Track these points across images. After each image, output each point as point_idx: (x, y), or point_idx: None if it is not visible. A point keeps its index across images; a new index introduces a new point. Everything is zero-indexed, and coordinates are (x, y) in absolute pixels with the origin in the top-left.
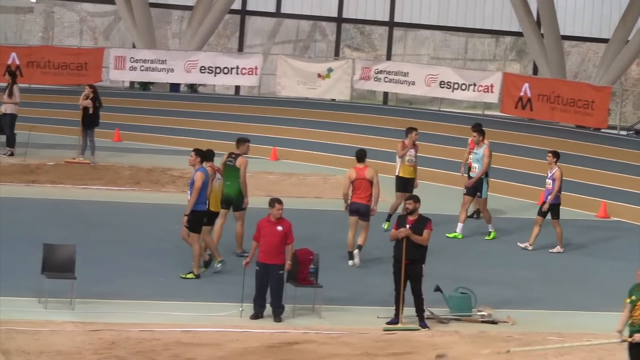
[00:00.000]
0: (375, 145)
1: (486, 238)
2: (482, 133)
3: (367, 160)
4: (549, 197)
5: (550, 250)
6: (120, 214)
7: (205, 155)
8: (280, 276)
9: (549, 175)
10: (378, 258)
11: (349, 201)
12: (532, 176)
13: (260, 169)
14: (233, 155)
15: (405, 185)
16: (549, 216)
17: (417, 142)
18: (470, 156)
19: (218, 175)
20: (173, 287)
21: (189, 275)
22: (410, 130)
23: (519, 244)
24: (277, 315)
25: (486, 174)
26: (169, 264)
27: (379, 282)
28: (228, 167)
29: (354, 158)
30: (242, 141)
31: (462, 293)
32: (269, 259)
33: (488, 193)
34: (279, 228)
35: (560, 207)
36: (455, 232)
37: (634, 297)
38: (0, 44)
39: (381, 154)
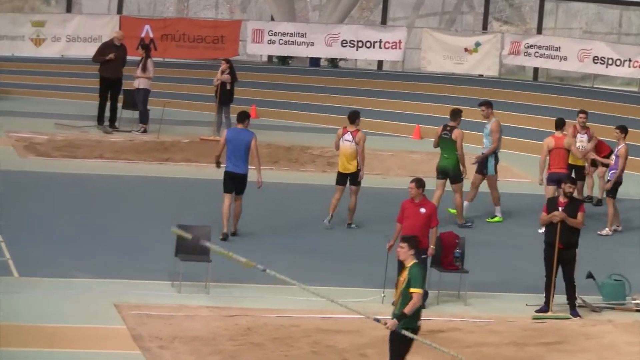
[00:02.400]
0: (525, 124)
1: (487, 220)
2: (490, 106)
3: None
4: (613, 175)
5: (599, 233)
6: (257, 194)
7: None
8: (424, 261)
9: (615, 151)
10: (525, 243)
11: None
12: None
13: (403, 147)
14: (448, 128)
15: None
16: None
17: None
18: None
19: (347, 136)
20: (312, 271)
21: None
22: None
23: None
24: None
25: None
26: (305, 248)
27: (528, 268)
28: (444, 140)
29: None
30: (456, 113)
31: (615, 280)
32: (417, 244)
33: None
34: (422, 210)
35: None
36: (496, 216)
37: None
38: (133, 15)
39: (531, 133)
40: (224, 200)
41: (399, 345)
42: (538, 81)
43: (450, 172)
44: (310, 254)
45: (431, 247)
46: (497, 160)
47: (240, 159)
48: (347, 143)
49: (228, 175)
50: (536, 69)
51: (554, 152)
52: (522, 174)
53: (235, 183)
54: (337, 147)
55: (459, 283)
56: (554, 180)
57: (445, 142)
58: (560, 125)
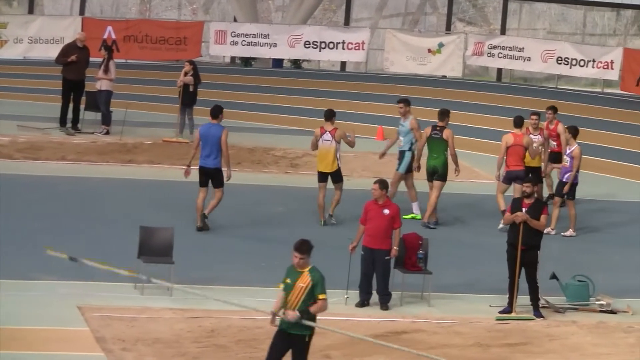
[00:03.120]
0: (488, 125)
1: (403, 217)
2: (407, 104)
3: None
4: (569, 177)
5: (562, 234)
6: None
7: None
8: (387, 262)
9: (567, 152)
10: (491, 244)
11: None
12: None
13: (367, 148)
14: (437, 128)
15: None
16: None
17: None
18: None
19: (326, 136)
20: (275, 273)
21: None
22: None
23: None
24: (384, 303)
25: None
26: (271, 248)
27: (492, 269)
28: (434, 139)
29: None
30: (445, 113)
31: (579, 281)
32: (375, 243)
33: (417, 171)
34: (385, 211)
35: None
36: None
37: (289, 280)
38: (95, 17)
39: (495, 134)
40: (199, 194)
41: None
42: (502, 82)
43: (439, 171)
44: (270, 256)
45: (394, 248)
46: (412, 159)
47: (212, 153)
48: (327, 142)
49: (201, 170)
50: (500, 70)
51: (511, 149)
52: (486, 175)
53: (209, 177)
54: (314, 147)
55: (423, 284)
56: (512, 178)
57: (435, 142)
58: (519, 123)
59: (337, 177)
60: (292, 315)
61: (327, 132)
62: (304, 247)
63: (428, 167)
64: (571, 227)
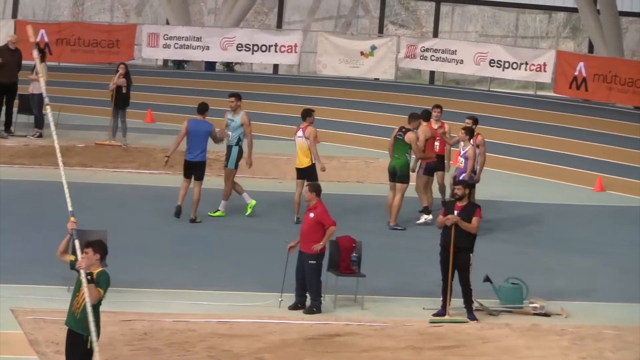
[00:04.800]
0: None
1: (209, 214)
2: (239, 98)
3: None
4: (463, 177)
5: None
6: (153, 199)
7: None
8: (312, 266)
9: (462, 153)
10: (424, 246)
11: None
12: (587, 160)
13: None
14: (403, 129)
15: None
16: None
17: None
18: None
19: (299, 133)
20: (208, 276)
21: None
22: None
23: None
24: (311, 307)
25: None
26: (203, 251)
27: (425, 272)
28: (397, 140)
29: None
30: (413, 116)
31: (513, 284)
32: (302, 246)
33: (237, 165)
34: (311, 215)
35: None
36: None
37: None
38: (28, 19)
39: None
40: (182, 184)
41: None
42: (434, 84)
43: (398, 172)
44: (205, 259)
45: (319, 244)
46: (240, 154)
47: (199, 148)
48: (300, 139)
49: (187, 164)
50: (432, 73)
51: (429, 141)
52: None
53: (194, 170)
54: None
55: (356, 287)
56: (430, 169)
57: (398, 143)
58: (427, 117)
59: (309, 174)
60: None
61: (300, 129)
62: (92, 244)
63: (389, 167)
64: None
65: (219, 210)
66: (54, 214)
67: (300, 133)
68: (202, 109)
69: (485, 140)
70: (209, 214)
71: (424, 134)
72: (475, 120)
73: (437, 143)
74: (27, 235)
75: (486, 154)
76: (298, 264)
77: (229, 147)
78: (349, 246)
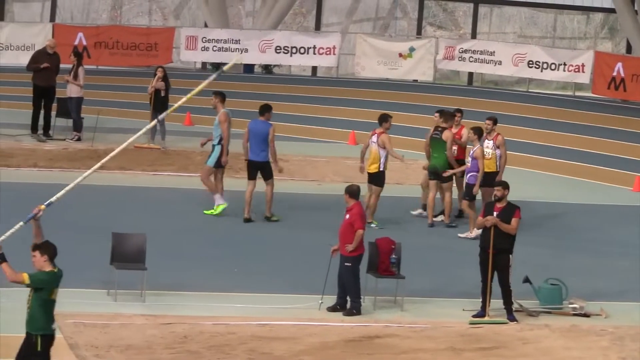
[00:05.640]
0: None
1: (205, 212)
2: (217, 96)
3: None
4: (472, 178)
5: (459, 235)
6: (192, 202)
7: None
8: (348, 268)
9: (470, 153)
10: (465, 247)
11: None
12: (626, 160)
13: (338, 153)
14: (439, 129)
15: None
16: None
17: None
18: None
19: (373, 138)
20: (247, 278)
21: None
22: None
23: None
24: (350, 309)
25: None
26: (242, 253)
27: (465, 273)
28: (434, 139)
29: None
30: (449, 115)
31: (552, 284)
32: (340, 249)
33: (215, 163)
34: (347, 217)
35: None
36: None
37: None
38: (66, 23)
39: None
40: (247, 187)
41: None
42: (473, 86)
43: (440, 171)
44: (245, 261)
45: (347, 246)
46: (220, 153)
47: (258, 148)
48: (372, 144)
49: (250, 163)
50: (471, 74)
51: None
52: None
53: (259, 170)
54: None
55: (396, 289)
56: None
57: (435, 142)
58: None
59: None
60: None
61: (375, 134)
62: (39, 247)
63: (430, 167)
64: (470, 229)
65: (219, 204)
66: (92, 217)
67: (374, 138)
68: (263, 110)
69: (523, 141)
70: (207, 212)
71: (448, 138)
72: (495, 121)
73: (455, 148)
74: (66, 239)
75: (523, 154)
76: (340, 266)
77: (213, 146)
78: (388, 248)
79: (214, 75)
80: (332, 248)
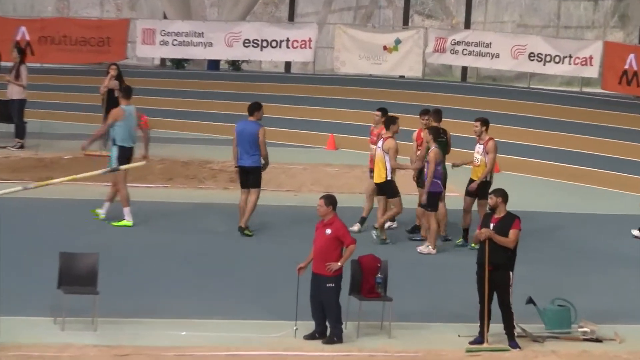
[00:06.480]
0: (453, 130)
1: (112, 224)
2: (125, 94)
3: None
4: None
5: (418, 249)
6: (151, 216)
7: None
8: (329, 290)
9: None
10: (460, 263)
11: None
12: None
13: (316, 160)
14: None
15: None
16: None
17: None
18: None
19: (379, 143)
20: (215, 303)
21: None
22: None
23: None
24: (331, 337)
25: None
26: (209, 274)
27: (461, 293)
28: (440, 144)
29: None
30: (439, 114)
31: (559, 305)
32: (317, 267)
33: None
34: (327, 231)
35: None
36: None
37: None
38: (8, 16)
39: (461, 141)
40: (241, 196)
41: None
42: (467, 82)
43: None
44: (212, 282)
45: (336, 263)
46: (125, 153)
47: (247, 152)
48: (378, 150)
49: (240, 169)
50: (465, 69)
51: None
52: (452, 188)
53: (246, 176)
54: None
55: (382, 312)
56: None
57: (441, 146)
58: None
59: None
60: None
61: (382, 139)
62: None
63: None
64: (429, 243)
65: (123, 220)
66: (37, 234)
67: (380, 143)
68: (252, 109)
69: (524, 143)
70: (112, 223)
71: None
72: (485, 122)
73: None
74: (6, 260)
75: (523, 158)
76: (312, 288)
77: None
78: (373, 266)
79: (102, 171)
80: (299, 266)
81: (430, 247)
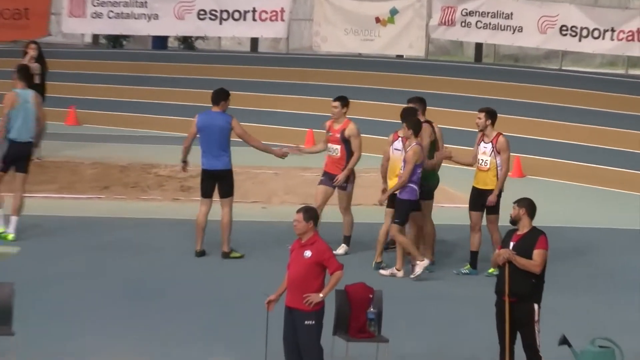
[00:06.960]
0: (465, 125)
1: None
2: (21, 75)
3: None
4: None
5: (381, 272)
6: (81, 235)
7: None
8: (310, 328)
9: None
10: (472, 294)
11: None
12: None
13: (291, 163)
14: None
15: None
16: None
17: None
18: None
19: (396, 144)
20: (166, 343)
21: None
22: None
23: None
24: None
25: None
26: (158, 307)
27: (475, 330)
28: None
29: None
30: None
31: (600, 347)
32: (293, 300)
33: None
34: (306, 253)
35: None
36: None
37: None
38: None
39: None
40: (200, 208)
41: None
42: (482, 63)
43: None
44: (158, 318)
45: (317, 295)
46: (19, 149)
47: (212, 152)
48: (397, 152)
49: (205, 173)
50: (479, 46)
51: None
52: (462, 197)
53: (216, 183)
54: None
55: (376, 355)
56: None
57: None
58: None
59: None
60: None
61: (399, 139)
62: None
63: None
64: (397, 265)
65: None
66: None
67: (398, 144)
68: (217, 97)
69: (555, 140)
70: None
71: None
72: (492, 114)
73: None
74: None
75: (553, 159)
76: (286, 327)
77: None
78: (364, 298)
79: None
80: (269, 299)
81: (417, 267)
